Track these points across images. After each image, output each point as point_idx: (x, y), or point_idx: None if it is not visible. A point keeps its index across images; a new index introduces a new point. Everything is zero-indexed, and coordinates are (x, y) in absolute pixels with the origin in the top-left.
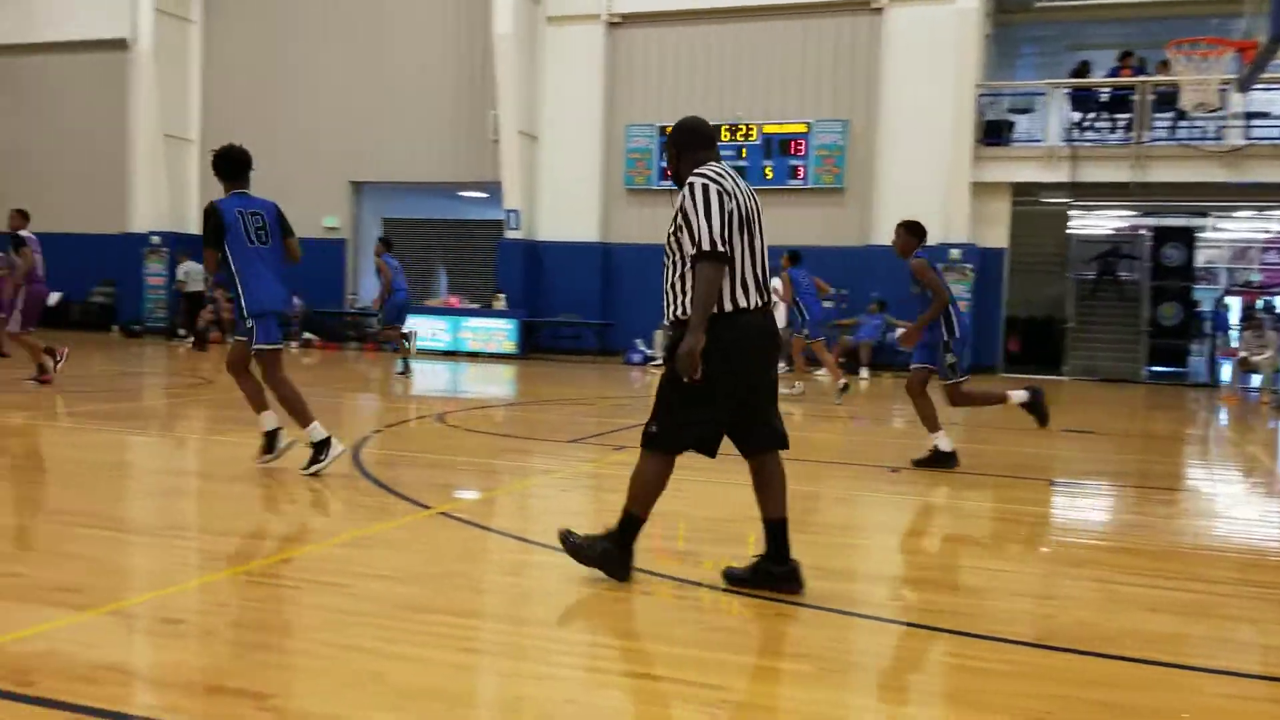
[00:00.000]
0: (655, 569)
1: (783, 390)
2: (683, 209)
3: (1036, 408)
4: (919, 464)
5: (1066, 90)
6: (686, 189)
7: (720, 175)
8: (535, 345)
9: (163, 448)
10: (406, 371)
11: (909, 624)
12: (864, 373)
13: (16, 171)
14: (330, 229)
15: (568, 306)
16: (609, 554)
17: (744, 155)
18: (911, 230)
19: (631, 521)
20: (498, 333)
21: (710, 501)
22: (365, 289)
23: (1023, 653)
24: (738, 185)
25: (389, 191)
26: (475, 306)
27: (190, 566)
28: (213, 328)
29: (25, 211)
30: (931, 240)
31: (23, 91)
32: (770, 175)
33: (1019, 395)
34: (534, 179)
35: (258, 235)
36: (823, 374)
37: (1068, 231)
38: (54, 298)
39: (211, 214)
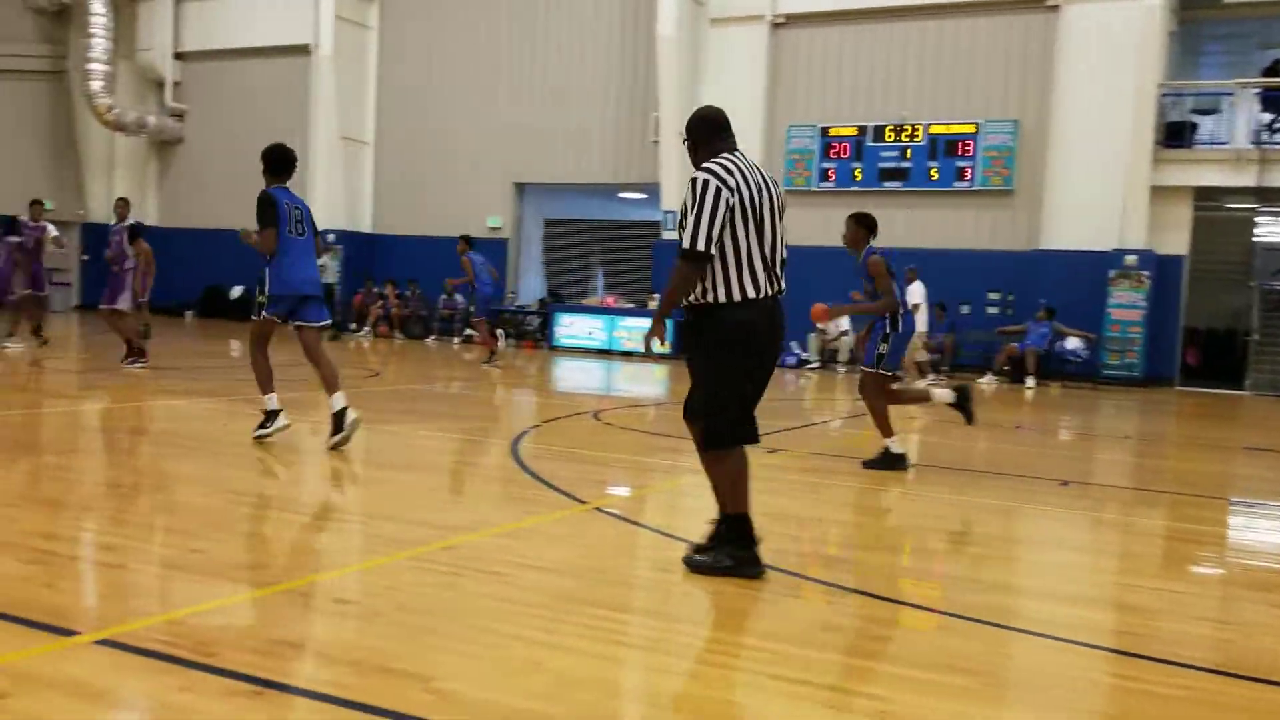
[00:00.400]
0: (807, 573)
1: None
2: (684, 203)
3: (963, 407)
4: (869, 465)
5: (1256, 90)
6: (689, 184)
7: (727, 169)
8: None
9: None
10: (491, 361)
11: (1074, 642)
12: (1030, 381)
13: (207, 171)
14: (494, 229)
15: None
16: (740, 558)
17: (908, 156)
18: (861, 222)
19: (742, 522)
20: None
21: (871, 510)
22: (526, 288)
23: (1200, 679)
24: (746, 176)
25: (550, 192)
26: (631, 306)
27: (359, 549)
28: (381, 321)
29: (128, 200)
30: (1105, 246)
31: (217, 94)
32: (935, 177)
33: (945, 394)
34: None
35: (297, 226)
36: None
37: (1253, 239)
38: (236, 291)
39: (268, 201)
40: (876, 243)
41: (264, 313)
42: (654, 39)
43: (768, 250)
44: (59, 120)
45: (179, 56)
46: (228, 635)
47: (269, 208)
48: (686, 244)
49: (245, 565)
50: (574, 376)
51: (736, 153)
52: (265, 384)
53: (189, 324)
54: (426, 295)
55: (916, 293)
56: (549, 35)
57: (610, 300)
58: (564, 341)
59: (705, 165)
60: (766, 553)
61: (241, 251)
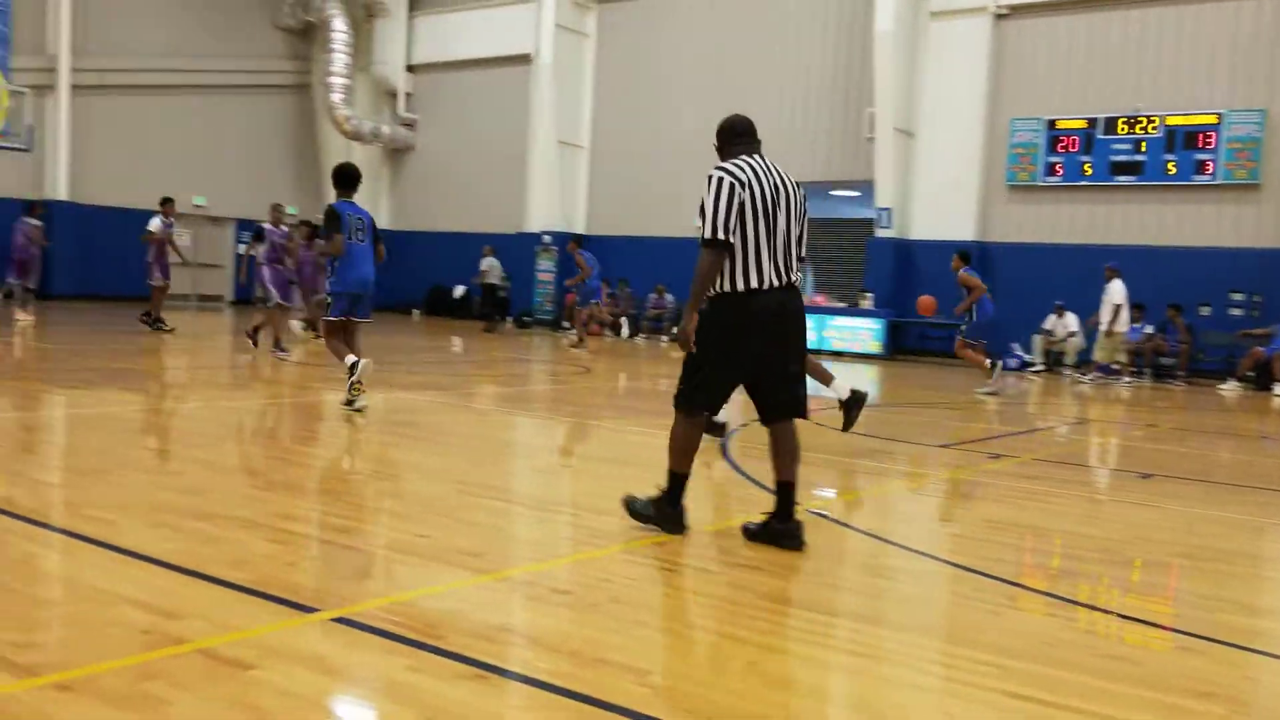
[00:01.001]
0: (1028, 583)
1: (979, 390)
2: (702, 199)
3: (849, 410)
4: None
5: None
6: (706, 180)
7: (740, 166)
8: (902, 346)
9: (548, 428)
10: (581, 344)
11: None
12: (1278, 388)
13: (434, 176)
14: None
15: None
16: (662, 511)
17: (1143, 149)
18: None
19: (675, 479)
20: (863, 332)
21: (1100, 520)
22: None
23: None
24: (759, 175)
25: None
26: (841, 305)
27: (575, 541)
28: (592, 321)
29: (281, 206)
30: None
31: (441, 105)
32: (1173, 170)
33: (841, 390)
34: (908, 176)
35: (357, 234)
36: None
37: None
38: (459, 290)
39: (332, 214)
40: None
41: (330, 314)
42: (871, 34)
43: (778, 245)
44: (302, 130)
45: (410, 69)
46: (452, 619)
47: (334, 219)
48: (707, 234)
49: (468, 551)
50: None
51: (755, 155)
52: (341, 354)
53: (416, 321)
54: (636, 294)
55: (1117, 292)
56: (763, 34)
57: (820, 299)
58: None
59: (720, 164)
60: (983, 561)
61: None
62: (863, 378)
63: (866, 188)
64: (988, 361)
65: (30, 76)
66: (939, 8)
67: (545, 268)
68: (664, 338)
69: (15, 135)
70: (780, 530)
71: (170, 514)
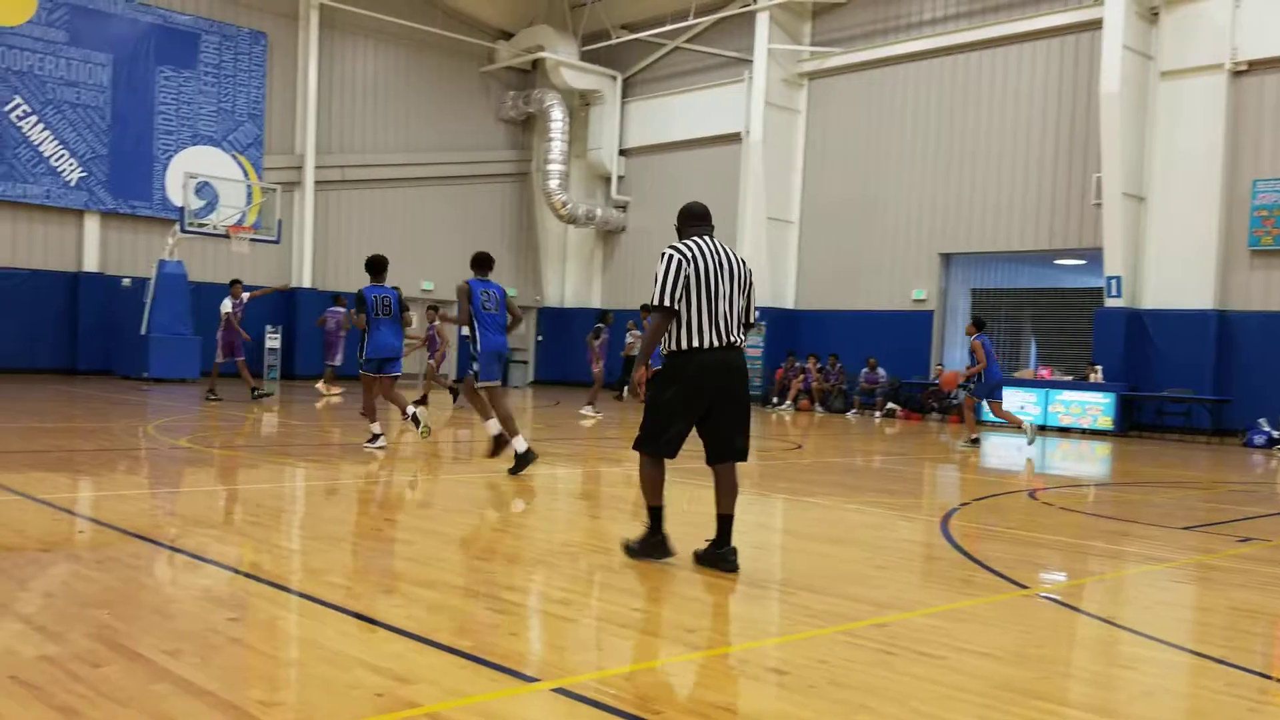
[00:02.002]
0: None
1: (958, 443)
2: (656, 271)
3: (517, 458)
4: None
5: None
6: (660, 257)
7: (688, 246)
8: (1136, 422)
9: (760, 505)
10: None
11: None
12: None
13: (645, 255)
14: (918, 301)
15: (1175, 380)
16: (649, 544)
17: None
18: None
19: (653, 513)
20: (1093, 407)
21: None
22: (952, 361)
23: None
24: (706, 255)
25: (978, 262)
26: (1068, 379)
27: (789, 620)
28: (802, 395)
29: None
30: None
31: (651, 186)
32: None
33: (493, 428)
34: (1138, 243)
35: (384, 310)
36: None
37: None
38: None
39: (359, 296)
40: None
41: (362, 370)
42: (1096, 97)
43: (719, 311)
44: (522, 215)
45: (623, 152)
46: (669, 694)
47: (359, 301)
48: (655, 301)
49: (683, 626)
50: (1006, 453)
51: (705, 237)
52: (370, 415)
53: (627, 399)
54: (847, 369)
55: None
56: (979, 103)
57: (1045, 372)
58: (993, 416)
59: (673, 244)
60: (1233, 652)
61: None
62: (1094, 455)
63: (1092, 255)
64: (976, 429)
65: (280, 175)
66: (1170, 67)
67: (753, 343)
68: (877, 413)
69: (267, 229)
70: (719, 554)
71: (400, 581)
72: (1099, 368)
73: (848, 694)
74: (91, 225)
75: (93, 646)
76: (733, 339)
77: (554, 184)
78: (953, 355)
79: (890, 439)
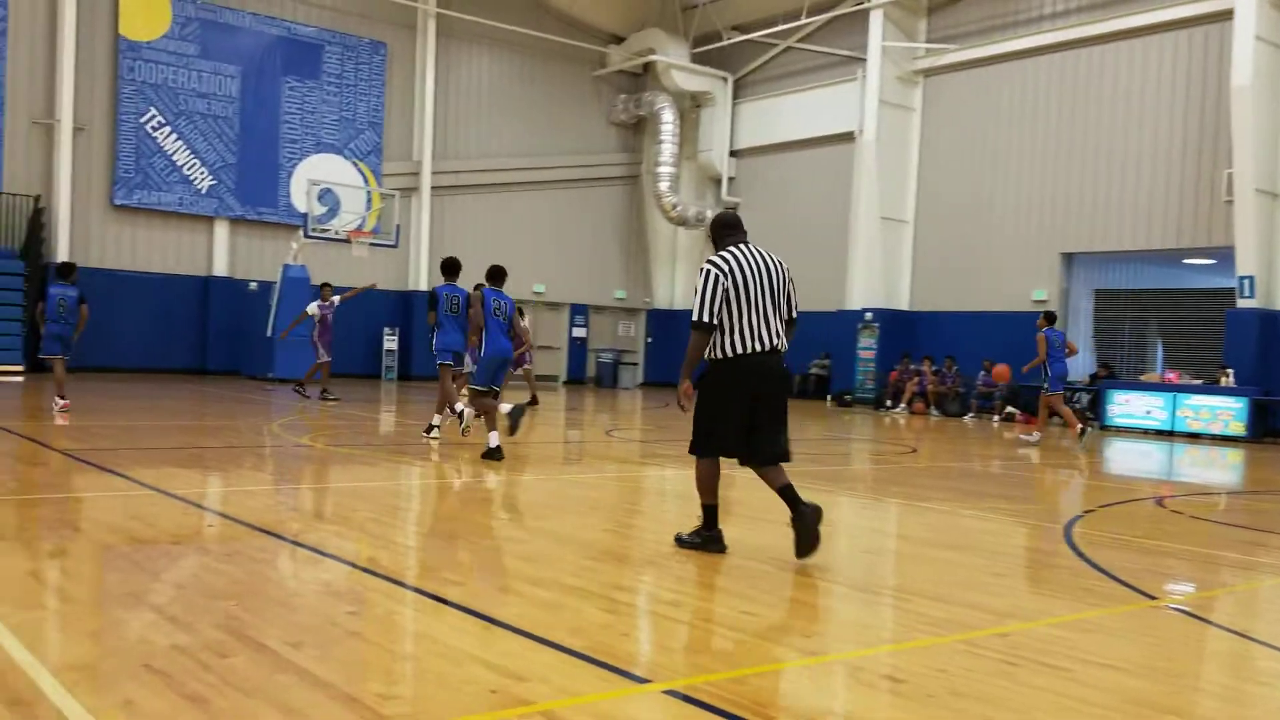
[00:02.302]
0: None
1: (1022, 437)
2: (696, 285)
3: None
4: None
5: None
6: (699, 272)
7: (725, 258)
8: (1271, 428)
9: (874, 509)
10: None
11: None
12: None
13: None
14: (1038, 302)
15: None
16: (706, 539)
17: None
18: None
19: (707, 510)
20: (1224, 412)
21: None
22: (1074, 363)
23: None
24: (743, 264)
25: (1101, 261)
26: (1197, 383)
27: (906, 627)
28: (917, 398)
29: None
30: None
31: (762, 186)
32: None
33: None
34: (1273, 241)
35: (452, 308)
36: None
37: None
38: None
39: (431, 294)
40: None
41: (438, 362)
42: (1227, 90)
43: (760, 319)
44: (632, 219)
45: (734, 154)
46: (783, 699)
47: (430, 297)
48: (694, 318)
49: (795, 631)
50: (1131, 459)
51: (741, 245)
52: (443, 405)
53: None
54: (964, 371)
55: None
56: (1102, 98)
57: (1172, 376)
58: (1118, 421)
59: (710, 257)
60: None
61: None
62: (1224, 462)
63: (1223, 254)
64: (1035, 435)
65: (398, 180)
66: None
67: (867, 345)
68: (996, 417)
69: (386, 233)
70: (805, 512)
71: (514, 580)
72: (1230, 371)
73: (967, 704)
74: (221, 231)
75: (221, 637)
76: (774, 343)
77: (664, 186)
78: (1077, 358)
79: (1009, 444)
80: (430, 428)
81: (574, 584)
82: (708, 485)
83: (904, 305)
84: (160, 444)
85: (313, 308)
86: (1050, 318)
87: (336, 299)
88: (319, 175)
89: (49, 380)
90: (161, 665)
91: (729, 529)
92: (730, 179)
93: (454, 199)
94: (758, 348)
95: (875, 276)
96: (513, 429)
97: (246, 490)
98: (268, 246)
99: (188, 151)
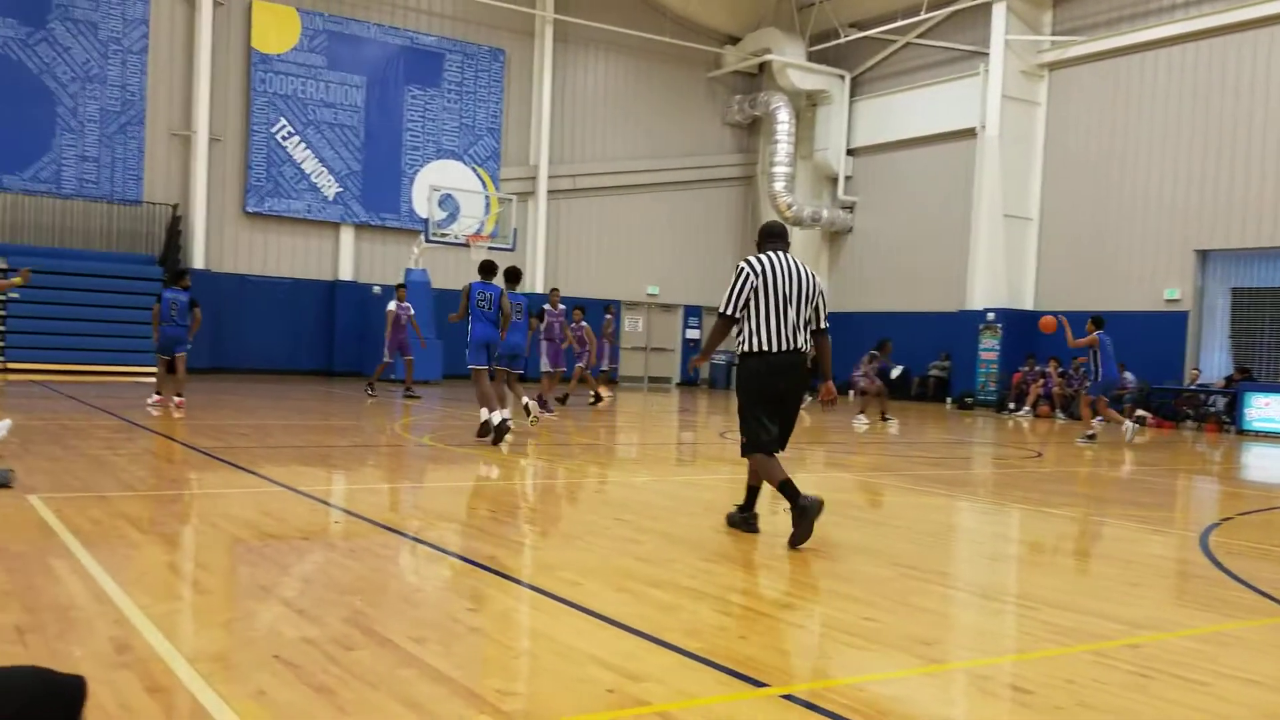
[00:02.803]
0: None
1: (1079, 442)
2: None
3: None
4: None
5: None
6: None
7: (759, 260)
8: None
9: (999, 515)
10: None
11: None
12: None
13: (872, 256)
14: (1171, 301)
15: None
16: (744, 519)
17: None
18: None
19: (785, 485)
20: None
21: None
22: (1209, 365)
23: None
24: (776, 268)
25: (1240, 259)
26: None
27: (1034, 637)
28: (1042, 400)
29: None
30: None
31: (879, 185)
32: None
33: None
34: None
35: (483, 305)
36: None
37: None
38: (896, 371)
39: (466, 290)
40: None
41: (469, 364)
42: None
43: (786, 321)
44: (746, 219)
45: (851, 152)
46: (904, 707)
47: (463, 294)
48: (720, 309)
49: (917, 639)
50: (1272, 464)
51: (778, 252)
52: (486, 403)
53: (849, 403)
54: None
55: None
56: (1238, 88)
57: None
58: (1256, 425)
59: (745, 257)
60: None
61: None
62: None
63: None
64: (1095, 421)
65: (515, 185)
66: None
67: (989, 346)
68: (1126, 422)
69: (503, 237)
70: (805, 505)
71: (630, 580)
72: None
73: (1096, 717)
74: (346, 237)
75: (347, 631)
76: (797, 345)
77: (779, 186)
78: (1209, 359)
79: (1140, 448)
80: (486, 424)
81: (690, 585)
82: (769, 475)
83: (1028, 305)
84: (289, 442)
85: (391, 306)
86: (1099, 322)
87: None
88: (439, 181)
89: (166, 379)
90: (290, 656)
91: (848, 533)
92: (847, 178)
93: (569, 202)
94: (781, 346)
95: (998, 275)
96: (496, 438)
97: (371, 488)
98: (390, 251)
99: (315, 160)
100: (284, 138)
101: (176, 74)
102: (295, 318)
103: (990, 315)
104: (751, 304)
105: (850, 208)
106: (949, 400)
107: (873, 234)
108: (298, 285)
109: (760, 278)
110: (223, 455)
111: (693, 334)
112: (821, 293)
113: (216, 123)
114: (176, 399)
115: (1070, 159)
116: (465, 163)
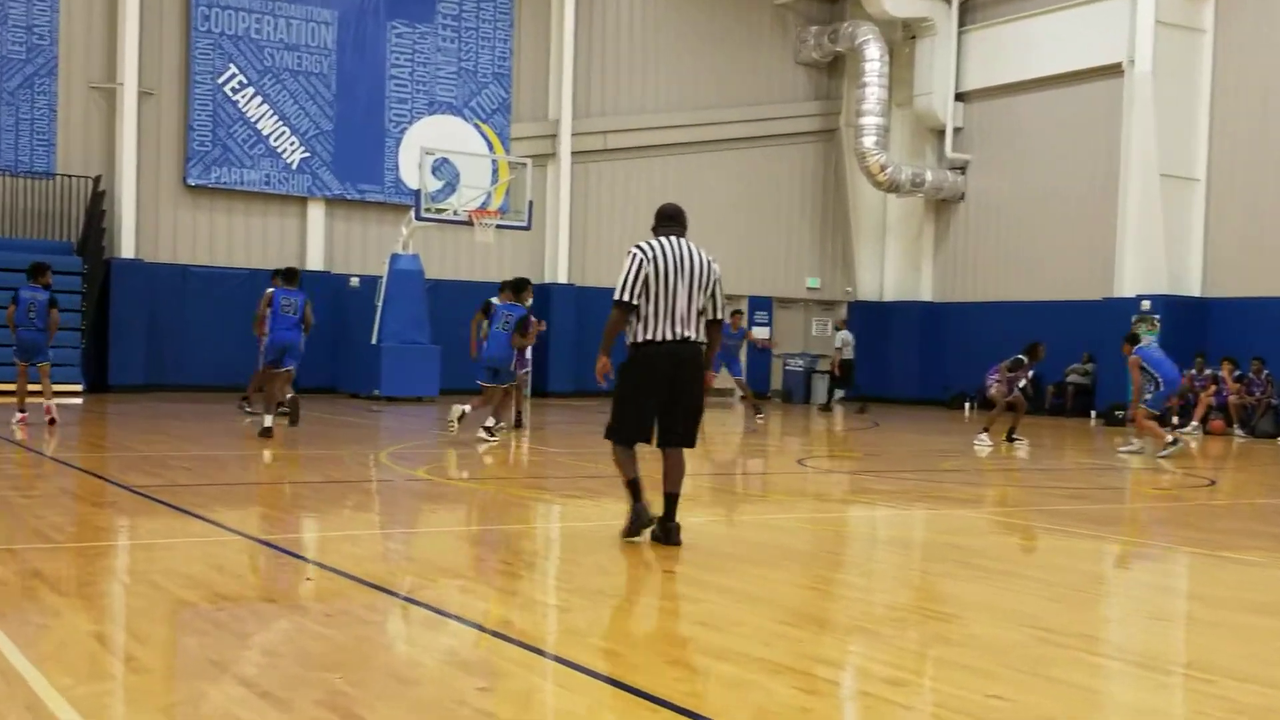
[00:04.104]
0: None
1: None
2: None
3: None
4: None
5: None
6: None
7: (651, 245)
8: None
9: (1159, 561)
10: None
11: None
12: None
13: (989, 231)
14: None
15: None
16: (634, 516)
17: None
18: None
19: (631, 485)
20: None
21: None
22: None
23: None
24: (667, 253)
25: None
26: None
27: (1205, 714)
28: (1215, 413)
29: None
30: None
31: (998, 140)
32: None
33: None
34: None
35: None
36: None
37: None
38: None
39: (486, 304)
40: None
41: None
42: None
43: (675, 308)
44: (827, 184)
45: (960, 97)
46: None
47: (483, 306)
48: (615, 296)
49: None
50: None
51: (671, 237)
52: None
53: (968, 418)
54: (1277, 377)
55: None
56: None
57: None
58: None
59: (638, 242)
60: None
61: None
62: None
63: None
64: (1168, 437)
65: (530, 145)
66: None
67: (1144, 343)
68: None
69: (516, 212)
70: (666, 529)
71: (685, 649)
72: None
73: None
74: (315, 214)
75: (323, 717)
76: (686, 334)
77: (869, 142)
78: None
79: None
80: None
81: (762, 655)
82: (623, 464)
83: (1194, 290)
84: (246, 478)
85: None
86: (1133, 339)
87: None
88: (433, 142)
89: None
90: None
91: (966, 586)
92: (956, 130)
93: (599, 166)
94: (670, 335)
95: (1155, 253)
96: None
97: (350, 534)
98: (371, 232)
99: (275, 118)
100: (234, 90)
101: (97, 11)
102: (250, 319)
103: (1146, 304)
104: (642, 291)
105: (961, 168)
106: (1093, 414)
107: (990, 201)
108: (254, 278)
109: (651, 263)
110: (162, 496)
111: (760, 331)
112: (718, 280)
113: (148, 73)
114: (49, 418)
115: (1247, 103)
116: (466, 118)
